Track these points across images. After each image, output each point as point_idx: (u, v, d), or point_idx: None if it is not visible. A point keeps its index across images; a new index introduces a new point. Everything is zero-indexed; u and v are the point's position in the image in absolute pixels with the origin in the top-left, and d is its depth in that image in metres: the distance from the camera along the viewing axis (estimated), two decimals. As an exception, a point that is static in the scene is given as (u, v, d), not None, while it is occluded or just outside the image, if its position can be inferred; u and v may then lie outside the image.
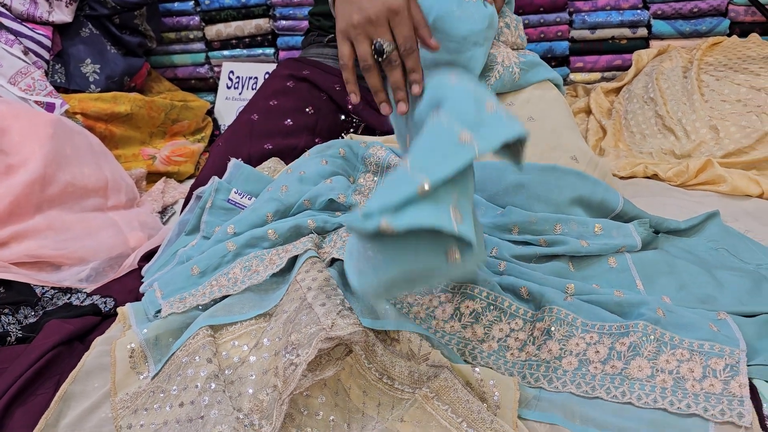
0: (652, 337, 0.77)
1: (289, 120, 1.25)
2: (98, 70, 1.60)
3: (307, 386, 0.69)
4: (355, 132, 1.30)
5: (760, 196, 1.23)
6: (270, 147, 1.21)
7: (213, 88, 1.95)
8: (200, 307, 0.90)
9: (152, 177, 1.55)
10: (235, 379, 0.76)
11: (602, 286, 0.93)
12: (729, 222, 1.11)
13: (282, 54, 1.89)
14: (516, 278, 0.89)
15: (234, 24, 1.85)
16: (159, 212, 1.40)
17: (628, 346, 0.77)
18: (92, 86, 1.58)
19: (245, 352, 0.80)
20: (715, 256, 1.02)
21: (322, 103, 1.29)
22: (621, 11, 1.77)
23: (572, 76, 1.84)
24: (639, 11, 1.76)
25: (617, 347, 0.78)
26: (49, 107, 1.41)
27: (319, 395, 0.73)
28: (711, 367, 0.73)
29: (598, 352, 0.79)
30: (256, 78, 1.80)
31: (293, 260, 0.92)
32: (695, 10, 1.73)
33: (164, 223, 1.37)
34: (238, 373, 0.77)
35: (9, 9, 1.51)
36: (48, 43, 1.52)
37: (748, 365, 0.74)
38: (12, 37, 1.46)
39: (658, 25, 1.76)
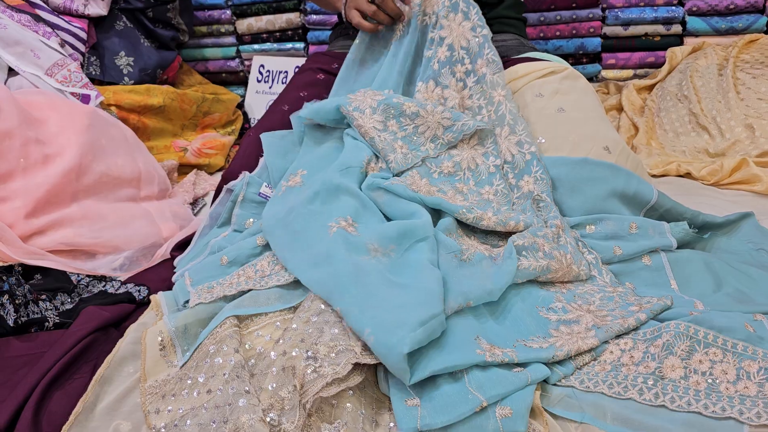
0: (684, 334, 0.76)
1: None
2: (132, 63, 1.63)
3: (333, 393, 0.70)
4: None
5: (797, 197, 1.21)
6: None
7: (243, 82, 1.97)
8: (226, 299, 0.91)
9: (183, 169, 1.57)
10: (257, 372, 0.77)
11: (636, 285, 0.93)
12: (763, 221, 1.10)
13: (312, 48, 1.90)
14: None
15: (265, 18, 1.87)
16: (190, 203, 1.42)
17: (661, 347, 0.76)
18: (126, 78, 1.61)
19: (268, 343, 0.81)
20: (755, 257, 1.01)
21: (351, 96, 1.29)
22: (655, 7, 1.74)
23: (604, 73, 1.82)
24: (674, 8, 1.74)
25: (651, 350, 0.77)
26: (85, 99, 1.44)
27: (348, 390, 0.73)
28: (745, 369, 0.72)
29: (632, 357, 0.78)
30: (286, 72, 1.82)
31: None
32: (731, 6, 1.70)
33: (195, 214, 1.39)
34: (260, 366, 0.77)
35: (46, 2, 1.54)
36: (84, 35, 1.55)
37: (783, 366, 0.73)
38: (49, 29, 1.49)
39: (693, 22, 1.73)
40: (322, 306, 0.81)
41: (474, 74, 1.11)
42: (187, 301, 0.90)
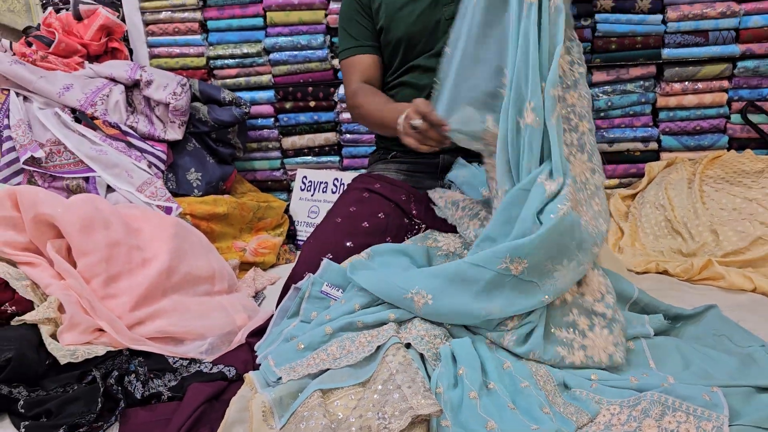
0: (658, 401, 1.02)
1: (365, 223, 1.55)
2: (200, 178, 1.95)
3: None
4: (417, 233, 1.60)
5: (753, 291, 1.49)
6: (351, 245, 1.51)
7: (286, 188, 2.29)
8: (310, 376, 1.17)
9: (243, 266, 1.86)
10: (340, 432, 1.03)
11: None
12: (726, 312, 1.36)
13: (346, 161, 2.24)
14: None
15: (306, 136, 2.22)
16: (252, 296, 1.70)
17: (640, 411, 1.03)
18: (195, 191, 1.93)
19: (346, 410, 1.07)
20: (717, 341, 1.28)
21: (391, 210, 1.59)
22: (634, 128, 2.09)
23: (594, 182, 2.14)
24: (650, 128, 2.09)
25: (633, 414, 1.03)
26: (168, 210, 1.75)
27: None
28: (702, 428, 0.99)
29: (620, 419, 1.04)
30: (326, 183, 2.14)
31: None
32: (698, 128, 2.05)
33: (259, 305, 1.66)
34: (342, 427, 1.03)
35: (135, 130, 1.88)
36: (164, 156, 1.88)
37: (731, 425, 0.99)
38: (139, 153, 1.82)
39: (667, 140, 2.08)
40: (385, 377, 1.08)
41: (563, 101, 1.19)
42: (279, 379, 1.16)
